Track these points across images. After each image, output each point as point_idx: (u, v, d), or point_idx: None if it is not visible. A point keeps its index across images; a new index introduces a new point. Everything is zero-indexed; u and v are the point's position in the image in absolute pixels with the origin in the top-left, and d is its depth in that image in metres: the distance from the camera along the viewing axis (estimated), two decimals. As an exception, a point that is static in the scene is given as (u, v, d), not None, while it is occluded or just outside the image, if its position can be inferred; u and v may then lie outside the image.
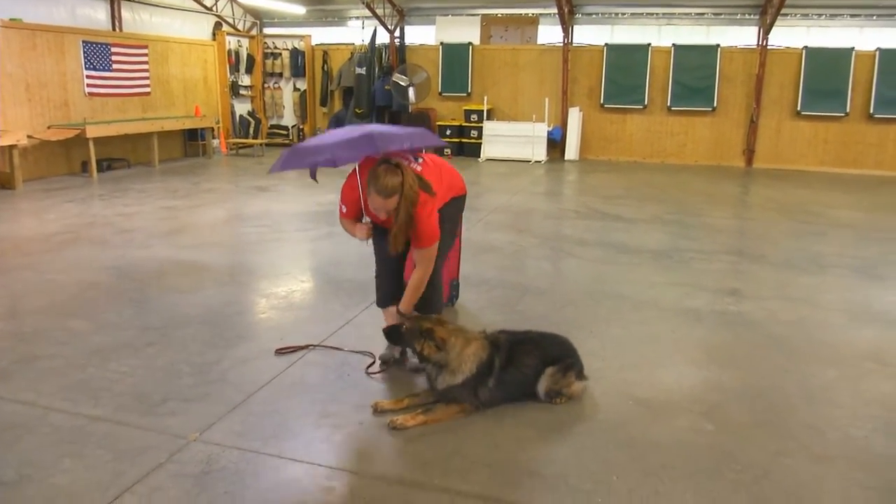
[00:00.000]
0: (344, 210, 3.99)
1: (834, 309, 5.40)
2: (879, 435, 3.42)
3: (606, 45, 14.78)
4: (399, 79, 14.56)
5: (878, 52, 13.62)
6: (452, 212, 4.18)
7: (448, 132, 14.82)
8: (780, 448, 3.28)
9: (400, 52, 15.70)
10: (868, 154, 13.92)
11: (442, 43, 15.44)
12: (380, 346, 4.19)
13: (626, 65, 14.66)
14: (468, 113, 14.84)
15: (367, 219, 4.01)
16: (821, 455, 3.23)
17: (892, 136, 13.79)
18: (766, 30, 13.94)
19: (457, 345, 3.50)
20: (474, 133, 14.67)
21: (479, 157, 14.47)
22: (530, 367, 3.61)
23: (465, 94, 15.37)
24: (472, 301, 5.31)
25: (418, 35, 16.09)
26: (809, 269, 6.63)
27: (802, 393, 3.88)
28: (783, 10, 13.47)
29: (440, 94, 15.53)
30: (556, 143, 14.72)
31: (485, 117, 14.64)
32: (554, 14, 14.70)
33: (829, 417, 3.60)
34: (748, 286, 5.97)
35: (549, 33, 15.37)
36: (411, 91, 14.43)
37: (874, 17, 14.04)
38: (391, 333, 3.75)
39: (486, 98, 14.94)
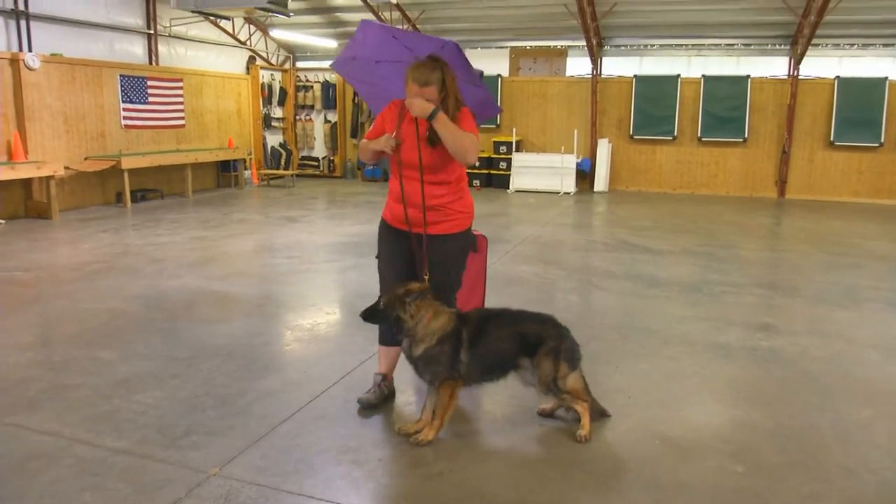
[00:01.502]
0: (368, 128, 4.03)
1: (869, 345, 5.25)
2: (918, 479, 3.30)
3: (635, 76, 14.78)
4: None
5: (914, 81, 13.41)
6: (464, 244, 3.92)
7: (477, 163, 14.84)
8: (812, 491, 3.17)
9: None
10: (905, 186, 13.66)
11: (473, 76, 15.56)
12: (402, 379, 4.17)
13: (655, 96, 14.63)
14: (497, 144, 14.89)
15: (393, 141, 3.60)
16: (856, 499, 3.12)
17: (933, 167, 13.52)
18: (797, 60, 13.83)
19: (425, 317, 3.48)
20: (503, 165, 14.71)
21: (508, 188, 14.48)
22: (503, 340, 3.60)
23: (494, 126, 15.45)
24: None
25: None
26: (844, 303, 6.48)
27: (837, 433, 3.76)
28: (814, 40, 13.38)
29: (470, 126, 15.62)
30: (585, 175, 14.70)
31: (514, 149, 14.68)
32: (582, 46, 14.77)
33: (864, 459, 3.48)
34: (780, 321, 5.85)
35: (578, 65, 15.44)
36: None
37: (909, 46, 13.87)
38: (370, 313, 3.59)
39: (514, 129, 15.00)
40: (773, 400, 4.22)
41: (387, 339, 3.97)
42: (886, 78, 13.51)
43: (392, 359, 4.00)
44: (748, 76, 14.18)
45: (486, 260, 4.95)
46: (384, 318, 3.54)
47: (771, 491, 3.17)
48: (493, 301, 5.73)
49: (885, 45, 13.98)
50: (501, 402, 4.10)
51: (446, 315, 3.55)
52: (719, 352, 5.01)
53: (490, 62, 15.47)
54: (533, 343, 3.62)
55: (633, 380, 4.48)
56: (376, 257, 3.91)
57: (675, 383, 4.44)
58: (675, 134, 14.58)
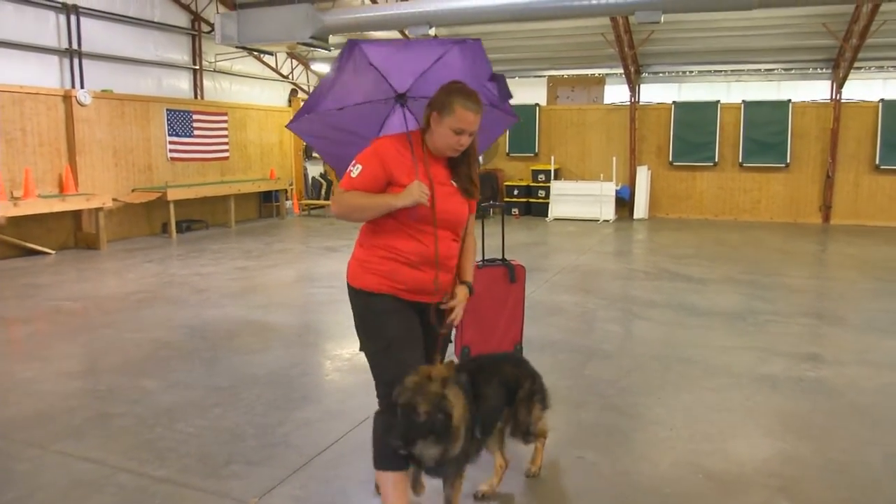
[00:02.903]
0: (356, 173, 2.78)
1: (923, 376, 5.09)
2: (977, 518, 3.17)
3: (674, 102, 14.71)
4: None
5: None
6: None
7: (516, 192, 14.90)
8: (865, 530, 3.06)
9: (467, 114, 15.97)
10: (958, 209, 13.27)
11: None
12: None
13: (694, 122, 14.53)
14: (535, 173, 14.91)
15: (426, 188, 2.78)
16: (911, 539, 3.00)
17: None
18: (839, 83, 13.63)
19: (458, 405, 2.71)
20: (542, 193, 14.70)
21: (547, 216, 14.45)
22: (495, 395, 3.10)
23: (532, 154, 15.49)
24: (536, 365, 5.19)
25: (485, 97, 16.37)
26: (894, 331, 6.28)
27: (889, 468, 3.63)
28: (856, 63, 13.18)
29: (508, 154, 15.70)
30: (624, 202, 14.60)
31: (552, 177, 14.67)
32: (620, 74, 14.78)
33: (919, 496, 3.35)
34: (827, 351, 5.70)
35: (616, 92, 15.44)
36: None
37: (956, 68, 13.57)
38: (411, 429, 2.59)
39: (553, 158, 15.01)
40: (821, 433, 4.09)
41: (393, 460, 2.79)
42: (933, 100, 13.21)
43: (404, 490, 2.91)
44: (790, 101, 14.00)
45: (524, 290, 4.94)
46: (430, 427, 2.61)
47: (820, 528, 3.07)
48: (533, 332, 5.71)
49: (931, 67, 13.71)
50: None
51: (460, 394, 2.76)
52: (764, 383, 4.90)
53: (528, 91, 15.58)
54: (512, 389, 3.22)
55: (676, 412, 4.39)
56: (361, 349, 2.96)
57: (719, 415, 4.34)
58: (716, 160, 14.42)
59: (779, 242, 11.47)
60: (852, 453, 3.82)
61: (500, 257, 4.93)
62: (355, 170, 2.78)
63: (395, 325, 2.84)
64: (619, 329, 6.49)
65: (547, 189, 14.57)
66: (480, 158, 14.14)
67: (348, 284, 2.92)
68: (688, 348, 5.70)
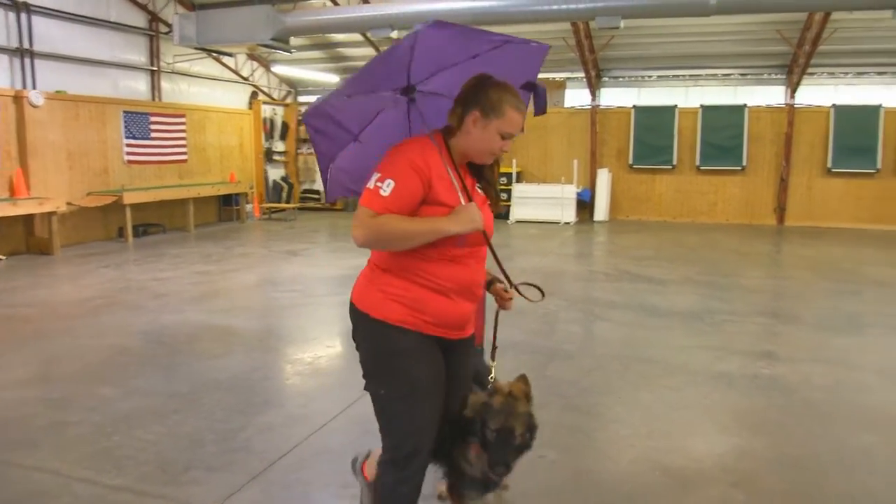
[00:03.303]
0: (388, 191, 2.28)
1: (871, 370, 5.24)
2: (922, 508, 3.28)
3: (634, 106, 14.93)
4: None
5: (908, 109, 13.54)
6: None
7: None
8: (816, 522, 3.15)
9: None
10: (905, 210, 13.71)
11: (471, 107, 15.72)
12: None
13: (654, 126, 14.77)
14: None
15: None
16: (860, 530, 3.10)
17: (930, 192, 13.58)
18: (793, 89, 13.99)
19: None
20: (503, 196, 14.77)
21: (509, 219, 14.54)
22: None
23: (493, 157, 15.55)
24: (498, 367, 5.22)
25: (447, 100, 16.42)
26: (845, 329, 6.47)
27: (838, 460, 3.74)
28: (809, 69, 13.55)
29: (469, 157, 15.74)
30: (585, 205, 14.76)
31: (514, 180, 14.77)
32: (581, 78, 14.95)
33: (865, 486, 3.46)
34: (782, 349, 5.84)
35: (577, 96, 15.60)
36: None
37: (903, 74, 14.02)
38: (509, 454, 2.46)
39: (514, 161, 15.11)
40: (775, 428, 4.20)
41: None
42: (881, 105, 13.64)
43: None
44: (745, 105, 14.31)
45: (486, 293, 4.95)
46: (524, 448, 2.52)
47: (774, 521, 3.15)
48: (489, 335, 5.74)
49: (879, 73, 14.12)
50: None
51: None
52: (721, 381, 5.00)
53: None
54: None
55: (635, 411, 4.46)
56: (368, 389, 2.51)
57: (677, 413, 4.43)
58: (675, 163, 14.68)
59: (735, 244, 11.72)
60: (804, 447, 3.93)
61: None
62: (386, 186, 2.27)
63: (422, 369, 2.43)
64: (581, 330, 6.57)
65: (509, 192, 14.66)
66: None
67: (359, 310, 2.46)
68: (647, 348, 5.79)
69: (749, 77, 14.78)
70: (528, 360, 5.45)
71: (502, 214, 14.63)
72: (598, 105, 15.15)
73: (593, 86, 14.89)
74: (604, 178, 14.67)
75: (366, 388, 2.50)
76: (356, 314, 2.47)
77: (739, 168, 14.37)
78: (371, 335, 2.44)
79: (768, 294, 8.19)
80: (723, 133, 14.37)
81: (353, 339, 2.52)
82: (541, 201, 14.39)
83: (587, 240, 12.49)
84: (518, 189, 14.64)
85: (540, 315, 6.81)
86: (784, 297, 8.06)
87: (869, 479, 3.54)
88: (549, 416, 4.39)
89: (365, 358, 2.49)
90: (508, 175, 14.81)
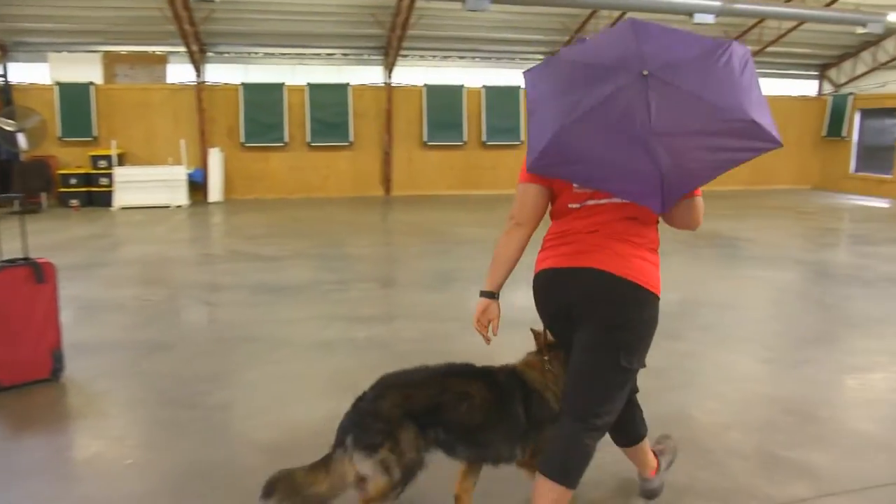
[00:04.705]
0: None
1: (454, 320, 5.89)
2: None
3: (242, 83, 14.68)
4: (5, 123, 12.74)
5: (483, 89, 15.58)
6: None
7: (73, 181, 13.35)
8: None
9: (5, 94, 13.79)
10: (485, 177, 15.83)
11: (58, 83, 13.93)
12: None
13: (263, 103, 14.71)
14: (95, 159, 13.53)
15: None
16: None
17: (503, 160, 15.86)
18: (389, 69, 15.08)
19: None
20: (104, 180, 13.41)
21: (112, 205, 13.27)
22: None
23: (90, 139, 14.02)
24: (84, 370, 4.71)
25: (27, 74, 14.31)
26: (435, 286, 7.21)
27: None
28: (402, 52, 14.72)
29: (60, 139, 13.96)
30: (198, 186, 14.14)
31: (115, 162, 13.50)
32: (184, 52, 14.19)
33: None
34: (379, 310, 6.28)
35: (182, 72, 14.79)
36: (21, 137, 12.72)
37: (477, 59, 16.06)
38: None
39: (114, 142, 13.79)
40: (367, 385, 4.45)
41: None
42: (462, 85, 15.47)
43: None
44: (348, 84, 15.03)
45: (57, 290, 4.41)
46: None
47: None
48: (84, 334, 5.17)
49: (461, 58, 16.00)
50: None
51: None
52: (322, 348, 5.18)
53: (80, 68, 14.04)
54: None
55: (238, 392, 4.39)
56: (636, 366, 2.61)
57: (280, 386, 4.46)
58: (286, 140, 14.84)
59: (346, 215, 12.32)
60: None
61: (21, 256, 4.31)
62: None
63: None
64: (184, 318, 6.28)
65: (110, 176, 13.35)
66: (23, 143, 12.32)
67: (648, 291, 2.49)
68: (254, 326, 5.75)
69: (351, 57, 15.54)
70: (122, 357, 5.01)
71: (104, 201, 13.30)
72: (205, 81, 14.57)
73: (197, 61, 14.25)
74: (216, 158, 14.21)
75: (622, 364, 2.49)
76: (644, 294, 2.49)
77: (347, 144, 15.11)
78: (653, 313, 2.53)
79: (373, 261, 8.76)
80: (330, 110, 14.94)
81: (629, 318, 2.50)
82: (148, 185, 13.38)
83: (200, 222, 12.01)
84: (121, 173, 13.39)
85: (138, 307, 6.34)
86: (386, 262, 8.70)
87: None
88: (145, 414, 4.12)
89: (643, 335, 2.55)
90: (108, 158, 13.49)
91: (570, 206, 2.57)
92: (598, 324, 2.51)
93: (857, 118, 17.08)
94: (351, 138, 15.08)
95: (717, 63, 2.28)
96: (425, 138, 15.44)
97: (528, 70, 2.51)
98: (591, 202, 2.53)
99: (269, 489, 2.49)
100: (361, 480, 2.55)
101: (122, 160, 13.81)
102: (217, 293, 6.91)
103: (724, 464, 3.44)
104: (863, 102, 16.90)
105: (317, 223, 11.44)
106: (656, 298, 2.53)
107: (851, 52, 17.23)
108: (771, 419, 3.99)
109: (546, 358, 2.80)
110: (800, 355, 5.12)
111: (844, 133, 17.10)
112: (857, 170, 17.29)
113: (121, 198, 13.26)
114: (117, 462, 3.49)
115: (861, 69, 17.20)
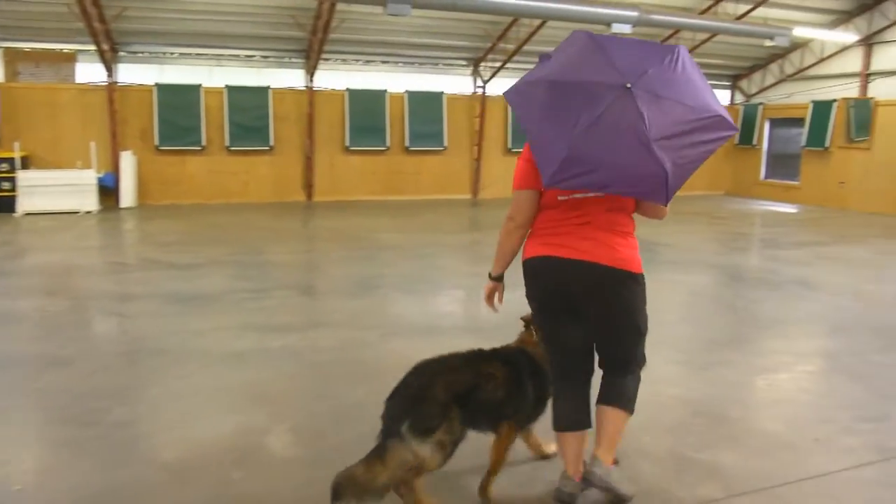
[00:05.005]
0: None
1: (372, 327, 5.79)
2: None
3: (157, 84, 14.16)
4: None
5: (406, 94, 15.52)
6: None
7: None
8: (309, 479, 3.27)
9: None
10: (408, 182, 15.77)
11: (-47, 81, 13.12)
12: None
13: (179, 105, 14.21)
14: (-3, 162, 12.79)
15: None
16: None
17: (426, 165, 15.85)
18: (311, 73, 14.83)
19: None
20: (7, 185, 12.64)
21: (16, 211, 12.56)
22: None
23: (-10, 141, 13.25)
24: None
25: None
26: (355, 293, 7.09)
27: (333, 418, 4.00)
28: (325, 55, 14.50)
29: (-45, 140, 13.14)
30: (109, 191, 13.53)
31: (18, 165, 12.77)
32: (94, 51, 13.57)
33: (359, 436, 3.72)
34: (296, 318, 6.11)
35: (92, 71, 14.15)
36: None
37: (400, 64, 15.98)
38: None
39: (17, 144, 13.05)
40: (279, 397, 4.33)
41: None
42: (385, 90, 15.37)
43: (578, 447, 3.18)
44: (269, 87, 14.71)
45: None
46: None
47: (268, 489, 3.21)
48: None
49: (384, 63, 15.89)
50: None
51: None
52: (234, 360, 4.99)
53: (-22, 67, 13.25)
54: None
55: (140, 408, 4.18)
56: (641, 325, 3.19)
57: (186, 402, 4.26)
58: (204, 144, 14.38)
59: (266, 221, 12.03)
60: (304, 410, 4.13)
61: None
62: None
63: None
64: (88, 330, 5.97)
65: (13, 180, 12.62)
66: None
67: (635, 274, 3.02)
68: (163, 338, 5.49)
69: (271, 59, 15.21)
70: (18, 374, 4.71)
71: (7, 207, 12.57)
72: (117, 82, 13.98)
73: (108, 61, 13.65)
74: (128, 161, 13.63)
75: (641, 329, 3.13)
76: (637, 277, 3.04)
77: (268, 148, 14.77)
78: (644, 286, 3.10)
79: (292, 268, 8.55)
80: (249, 114, 14.57)
81: (626, 301, 3.03)
82: (55, 189, 12.68)
83: (111, 229, 11.48)
84: (25, 177, 12.65)
85: (38, 320, 6.00)
86: (306, 269, 8.52)
87: (363, 429, 3.82)
88: (40, 433, 3.87)
89: (642, 305, 3.11)
90: (11, 161, 12.75)
91: (559, 198, 2.97)
92: (609, 309, 3.03)
93: (766, 127, 17.82)
94: (271, 143, 14.75)
95: (677, 69, 2.73)
96: (348, 143, 15.25)
97: (508, 91, 2.92)
98: (578, 195, 2.93)
99: (337, 493, 2.71)
100: (418, 462, 2.81)
101: (27, 163, 13.08)
102: (125, 303, 6.59)
103: (636, 468, 3.47)
104: (772, 112, 17.63)
105: (235, 229, 11.11)
106: (643, 276, 3.08)
107: (761, 64, 18.00)
108: (683, 421, 4.06)
109: (535, 336, 3.28)
110: (711, 357, 5.25)
111: (755, 141, 17.81)
112: (766, 177, 18.04)
113: (25, 203, 12.55)
114: (3, 488, 3.24)
115: (770, 80, 17.98)
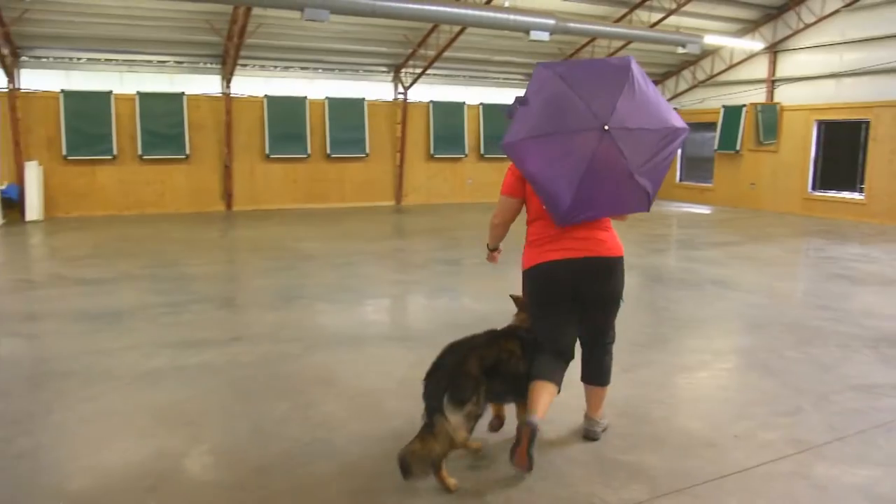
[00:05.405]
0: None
1: (293, 340, 5.62)
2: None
3: (63, 91, 13.52)
4: None
5: (327, 101, 15.32)
6: None
7: None
8: (233, 500, 3.13)
9: None
10: (331, 189, 15.60)
11: None
12: None
13: (88, 112, 13.64)
14: None
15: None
16: (270, 499, 3.19)
17: (348, 173, 15.71)
18: (227, 79, 14.46)
19: None
20: None
21: None
22: None
23: None
24: None
25: None
26: (275, 304, 6.89)
27: (253, 436, 3.84)
28: (241, 61, 14.16)
29: None
30: (13, 203, 12.82)
31: None
32: (-6, 56, 12.85)
33: (282, 453, 3.60)
34: (213, 334, 5.88)
35: (-8, 78, 13.38)
36: None
37: (320, 70, 15.75)
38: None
39: None
40: (196, 417, 4.13)
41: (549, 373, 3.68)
42: (306, 97, 15.14)
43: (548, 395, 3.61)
44: (183, 94, 14.26)
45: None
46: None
47: (182, 520, 3.04)
48: None
49: (303, 69, 15.62)
50: None
51: None
52: (147, 380, 4.74)
53: None
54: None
55: (45, 436, 3.90)
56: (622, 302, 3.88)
57: (94, 426, 4.01)
58: (115, 153, 13.82)
59: (183, 233, 11.63)
60: (224, 430, 3.94)
61: None
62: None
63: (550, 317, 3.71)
64: (-13, 352, 5.57)
65: None
66: None
67: (621, 258, 3.68)
68: (69, 359, 5.18)
69: (185, 65, 14.74)
70: None
71: None
72: (19, 88, 13.27)
73: (9, 66, 12.95)
74: (33, 172, 12.95)
75: (619, 304, 3.77)
76: (620, 260, 3.68)
77: (184, 156, 14.31)
78: (623, 268, 3.73)
79: (209, 280, 8.26)
80: (163, 121, 14.11)
81: (616, 281, 3.68)
82: (-49, 203, 11.99)
83: (15, 244, 10.84)
84: (-83, 190, 11.93)
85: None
86: (224, 281, 8.25)
87: (287, 446, 3.69)
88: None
89: (621, 286, 3.72)
90: None
91: (545, 208, 3.48)
92: (602, 289, 3.63)
93: (681, 131, 18.43)
94: (187, 151, 14.31)
95: (635, 93, 3.29)
96: (268, 151, 14.96)
97: (506, 149, 3.41)
98: None
99: (405, 469, 3.05)
100: (452, 434, 3.13)
101: (-82, 175, 12.27)
102: (29, 323, 6.22)
103: (563, 472, 3.46)
104: (685, 117, 17.54)
105: (149, 242, 10.68)
106: (623, 257, 3.69)
107: (674, 71, 18.61)
108: (608, 423, 4.08)
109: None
110: (633, 359, 5.31)
111: (670, 145, 18.40)
112: (682, 179, 18.66)
113: (-83, 218, 11.77)
114: None
115: (683, 86, 18.62)
